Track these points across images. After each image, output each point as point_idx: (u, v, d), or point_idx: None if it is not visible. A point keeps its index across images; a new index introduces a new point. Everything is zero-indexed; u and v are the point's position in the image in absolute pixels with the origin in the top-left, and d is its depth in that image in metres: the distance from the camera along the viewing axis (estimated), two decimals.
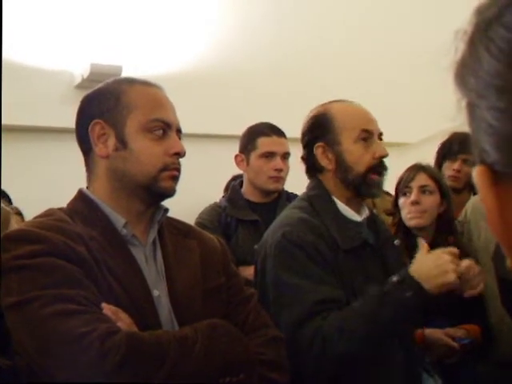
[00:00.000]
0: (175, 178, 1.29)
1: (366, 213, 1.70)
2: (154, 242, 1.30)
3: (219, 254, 1.39)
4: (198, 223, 2.39)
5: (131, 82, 1.32)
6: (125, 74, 3.42)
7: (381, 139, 1.67)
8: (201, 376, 1.10)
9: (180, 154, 1.28)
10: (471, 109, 0.45)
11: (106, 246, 1.20)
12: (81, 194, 1.29)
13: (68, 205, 1.29)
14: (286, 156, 2.46)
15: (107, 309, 1.10)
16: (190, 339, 1.11)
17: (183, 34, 3.78)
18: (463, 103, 0.46)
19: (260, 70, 3.91)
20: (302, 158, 1.75)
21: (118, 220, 1.24)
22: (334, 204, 1.65)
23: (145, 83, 1.33)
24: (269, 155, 2.43)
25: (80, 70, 3.50)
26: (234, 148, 2.53)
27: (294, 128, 3.47)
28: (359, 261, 1.59)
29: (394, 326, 1.47)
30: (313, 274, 1.50)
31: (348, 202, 1.66)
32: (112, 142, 1.26)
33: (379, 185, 1.65)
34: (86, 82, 3.45)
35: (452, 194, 2.63)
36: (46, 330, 1.05)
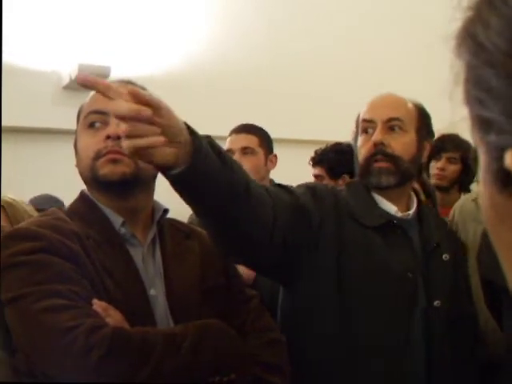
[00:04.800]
0: (114, 162, 1.21)
1: (411, 210, 1.58)
2: (153, 242, 1.30)
3: (220, 255, 1.38)
4: (189, 223, 2.40)
5: None
6: (113, 74, 3.41)
7: None
8: (188, 374, 1.10)
9: (111, 137, 1.21)
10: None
11: (103, 244, 1.21)
12: (82, 195, 1.31)
13: (69, 205, 1.31)
14: (245, 151, 2.43)
15: (98, 305, 1.11)
16: (178, 337, 1.11)
17: (172, 34, 3.77)
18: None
19: (250, 71, 3.91)
20: None
21: (116, 219, 1.25)
22: (368, 190, 1.58)
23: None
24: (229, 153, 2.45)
25: (68, 71, 3.48)
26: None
27: (284, 128, 3.51)
28: (379, 240, 1.48)
29: None
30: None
31: (384, 194, 1.56)
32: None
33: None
34: (74, 82, 3.43)
35: (441, 193, 2.65)
36: (36, 325, 1.07)
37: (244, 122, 2.55)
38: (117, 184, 1.22)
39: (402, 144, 1.55)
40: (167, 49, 3.76)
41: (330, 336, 1.42)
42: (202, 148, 1.05)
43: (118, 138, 1.18)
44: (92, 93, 1.29)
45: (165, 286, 1.25)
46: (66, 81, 3.50)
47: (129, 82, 1.31)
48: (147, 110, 0.94)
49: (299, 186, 1.55)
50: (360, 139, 1.58)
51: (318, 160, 2.77)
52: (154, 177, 1.30)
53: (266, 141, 2.51)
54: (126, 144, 0.97)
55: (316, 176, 2.80)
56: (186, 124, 1.05)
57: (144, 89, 1.32)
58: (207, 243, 1.38)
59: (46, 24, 3.44)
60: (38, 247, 1.13)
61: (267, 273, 1.54)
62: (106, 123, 1.24)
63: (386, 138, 1.54)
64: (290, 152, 3.13)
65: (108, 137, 1.22)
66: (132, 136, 0.96)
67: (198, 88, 3.75)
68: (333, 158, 2.69)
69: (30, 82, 3.42)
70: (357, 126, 1.61)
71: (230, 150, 2.43)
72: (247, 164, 2.41)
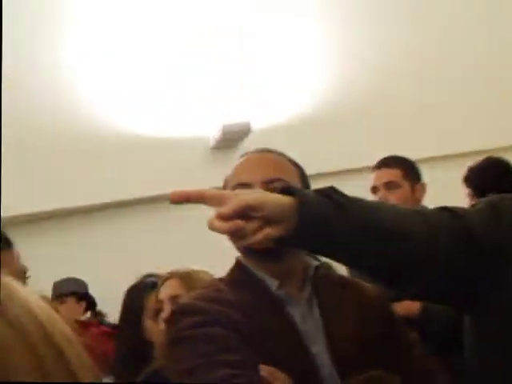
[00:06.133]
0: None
1: None
2: (310, 299, 1.32)
3: (376, 302, 1.37)
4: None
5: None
6: (253, 128, 3.58)
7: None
8: None
9: None
10: None
11: (262, 309, 1.25)
12: (237, 263, 1.36)
13: (227, 274, 1.37)
14: (389, 185, 2.38)
15: (264, 370, 1.15)
16: None
17: (299, 76, 3.90)
18: None
19: (377, 105, 3.95)
20: None
21: (272, 283, 1.29)
22: None
23: (242, 156, 1.40)
24: (374, 190, 2.42)
25: (212, 133, 3.71)
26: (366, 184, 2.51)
27: (420, 151, 3.42)
28: None
29: None
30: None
31: None
32: None
33: None
34: (220, 142, 3.67)
35: None
36: None
37: (384, 154, 2.52)
38: (268, 251, 1.26)
39: None
40: (297, 93, 3.88)
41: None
42: (306, 213, 1.02)
43: None
44: (236, 163, 1.37)
45: (326, 342, 1.26)
46: (212, 142, 3.74)
47: (267, 151, 1.38)
48: (239, 223, 0.97)
49: (480, 202, 1.25)
50: None
51: (467, 178, 2.64)
52: None
53: (410, 171, 2.43)
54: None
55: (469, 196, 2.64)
56: (288, 189, 1.04)
57: (282, 154, 1.37)
58: (363, 292, 1.38)
59: (185, 94, 3.72)
60: (200, 321, 1.20)
61: (440, 302, 1.42)
62: None
63: None
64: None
65: None
66: (240, 239, 1.03)
67: (332, 124, 3.84)
68: (477, 176, 2.56)
69: (180, 149, 3.70)
70: None
71: (375, 188, 2.42)
72: (393, 198, 2.37)
